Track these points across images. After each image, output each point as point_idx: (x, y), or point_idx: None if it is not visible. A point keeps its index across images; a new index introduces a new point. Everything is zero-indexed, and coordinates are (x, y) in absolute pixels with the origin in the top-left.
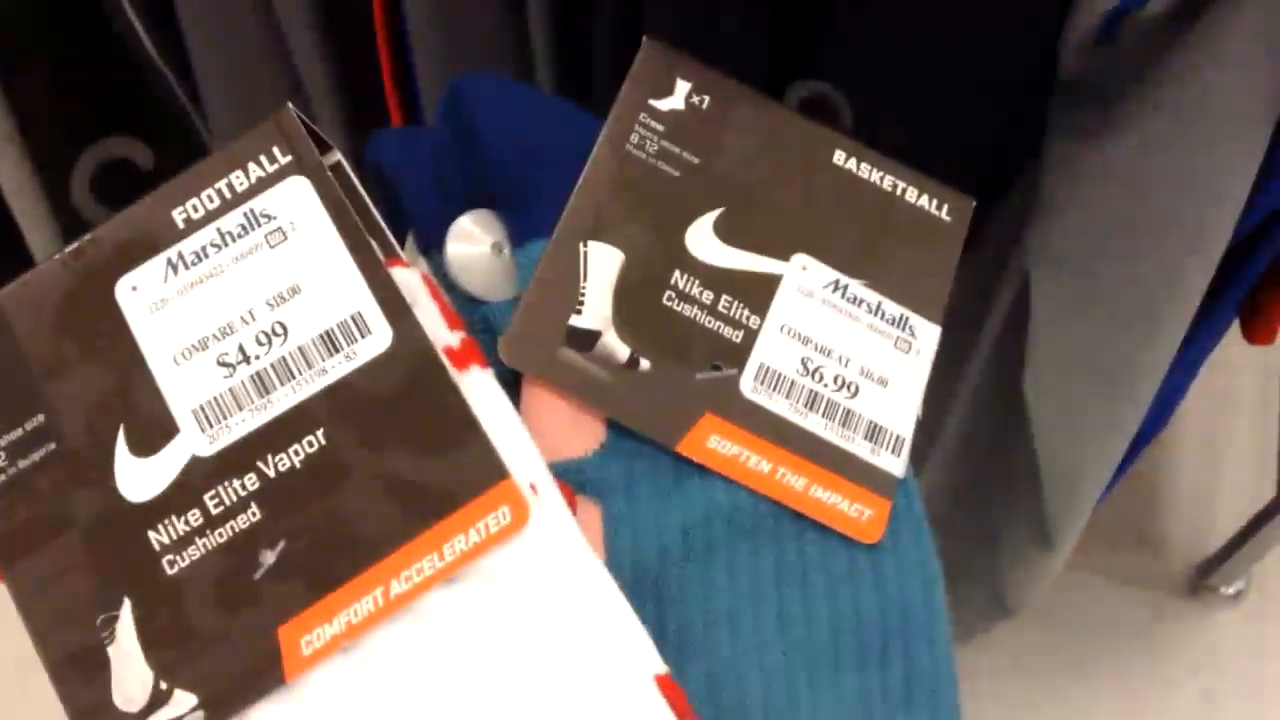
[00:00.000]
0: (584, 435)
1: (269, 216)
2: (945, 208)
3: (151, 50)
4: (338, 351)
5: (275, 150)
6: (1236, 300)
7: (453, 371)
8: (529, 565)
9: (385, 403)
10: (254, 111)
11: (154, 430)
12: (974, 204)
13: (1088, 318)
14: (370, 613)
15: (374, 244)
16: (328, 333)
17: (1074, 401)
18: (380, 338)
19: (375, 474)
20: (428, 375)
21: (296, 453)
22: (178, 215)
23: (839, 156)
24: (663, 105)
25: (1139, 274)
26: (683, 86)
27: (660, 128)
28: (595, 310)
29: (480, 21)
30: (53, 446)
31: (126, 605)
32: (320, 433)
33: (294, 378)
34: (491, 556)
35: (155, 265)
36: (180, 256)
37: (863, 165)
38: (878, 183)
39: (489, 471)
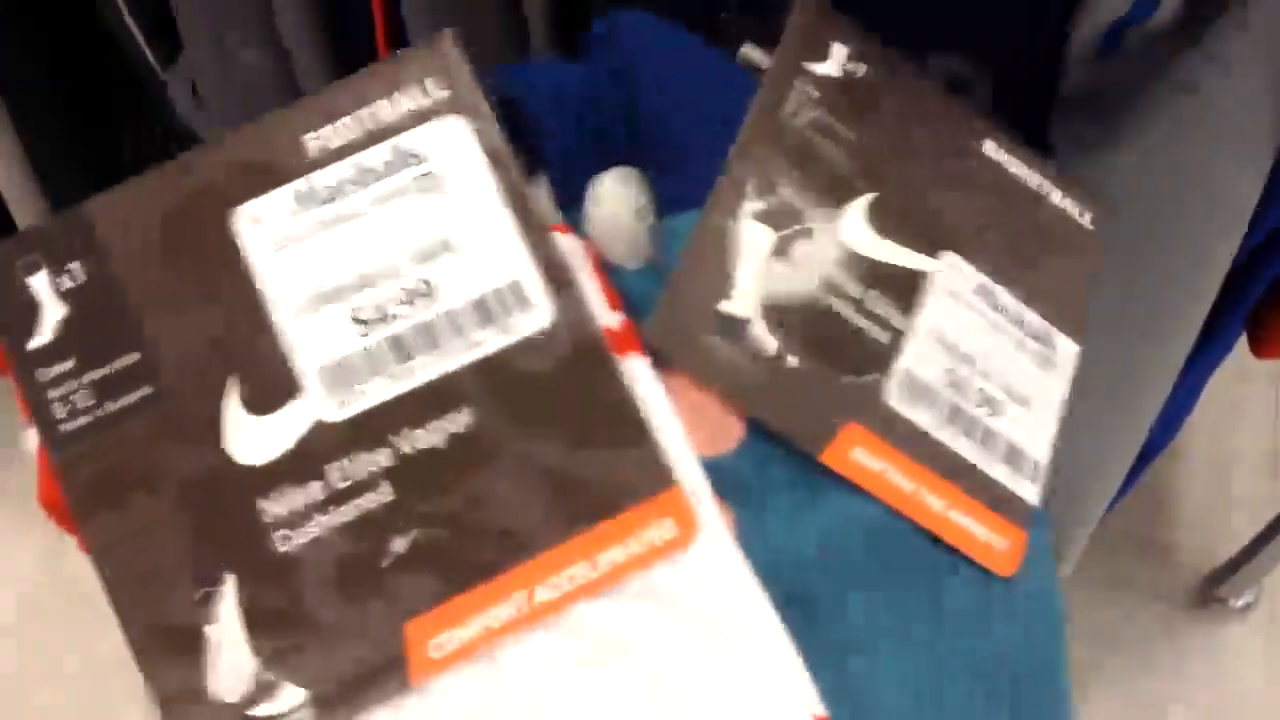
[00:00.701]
0: (722, 433)
1: (417, 157)
2: (1088, 215)
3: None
4: (491, 323)
5: (430, 82)
6: (1243, 315)
7: (614, 358)
8: (689, 586)
9: (542, 386)
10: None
11: (273, 386)
12: (1118, 213)
13: (1091, 331)
14: (511, 618)
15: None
16: (481, 300)
17: (1078, 415)
18: (540, 313)
19: (526, 464)
20: (590, 360)
21: (438, 430)
22: (309, 141)
23: (990, 147)
24: (819, 70)
25: (1142, 288)
26: (839, 51)
27: (816, 94)
28: (746, 295)
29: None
30: (148, 390)
31: (230, 581)
32: (466, 411)
33: (438, 347)
34: (649, 572)
35: (281, 196)
36: (311, 189)
37: (1013, 159)
38: (1025, 180)
39: (654, 477)
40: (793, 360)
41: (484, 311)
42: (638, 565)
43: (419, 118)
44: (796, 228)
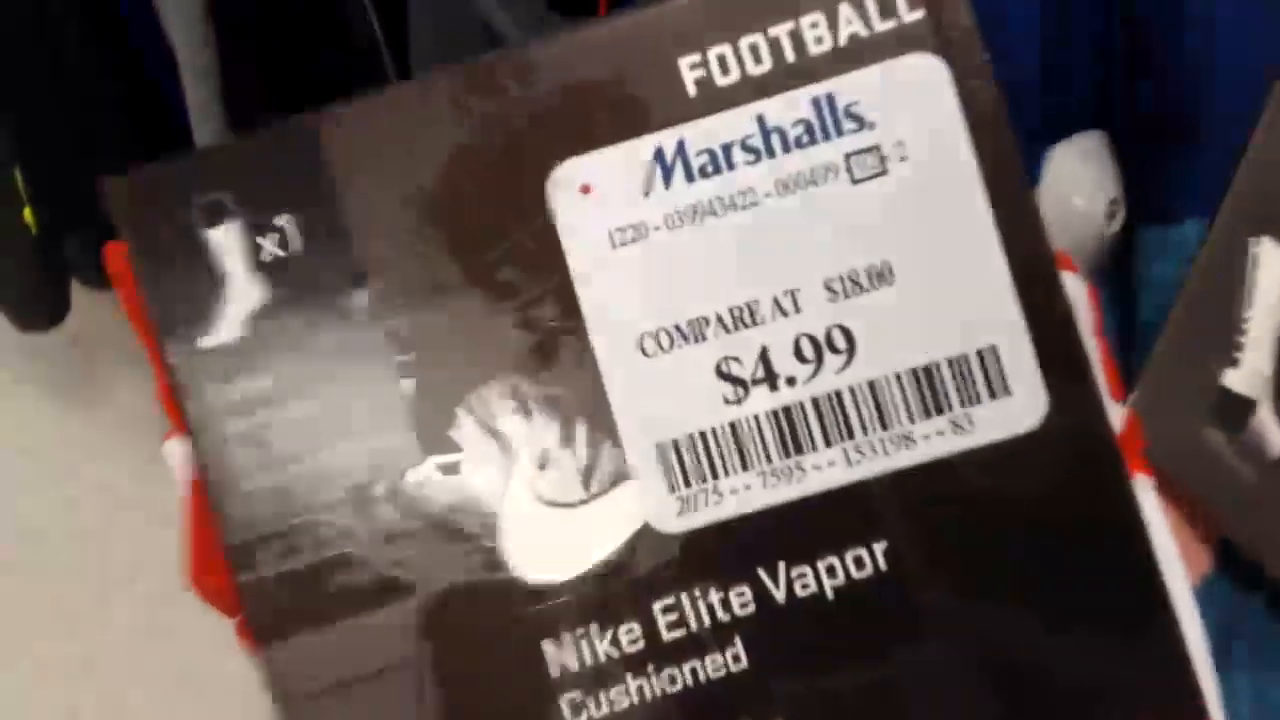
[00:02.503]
0: (1185, 563)
1: (859, 120)
2: None
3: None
4: (940, 411)
5: None
6: None
7: (1132, 487)
8: None
9: (1011, 523)
10: None
11: (584, 462)
12: None
13: None
14: None
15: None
16: (929, 371)
17: None
18: (1024, 404)
19: (970, 640)
20: (1097, 490)
21: (832, 570)
22: (688, 68)
23: None
24: None
25: None
26: None
27: None
28: (1255, 362)
29: None
30: (387, 446)
31: None
32: (881, 547)
33: (850, 436)
34: None
35: (633, 154)
36: (681, 152)
37: None
38: None
39: (1170, 684)
40: None
41: (932, 391)
42: None
43: (870, 51)
44: None
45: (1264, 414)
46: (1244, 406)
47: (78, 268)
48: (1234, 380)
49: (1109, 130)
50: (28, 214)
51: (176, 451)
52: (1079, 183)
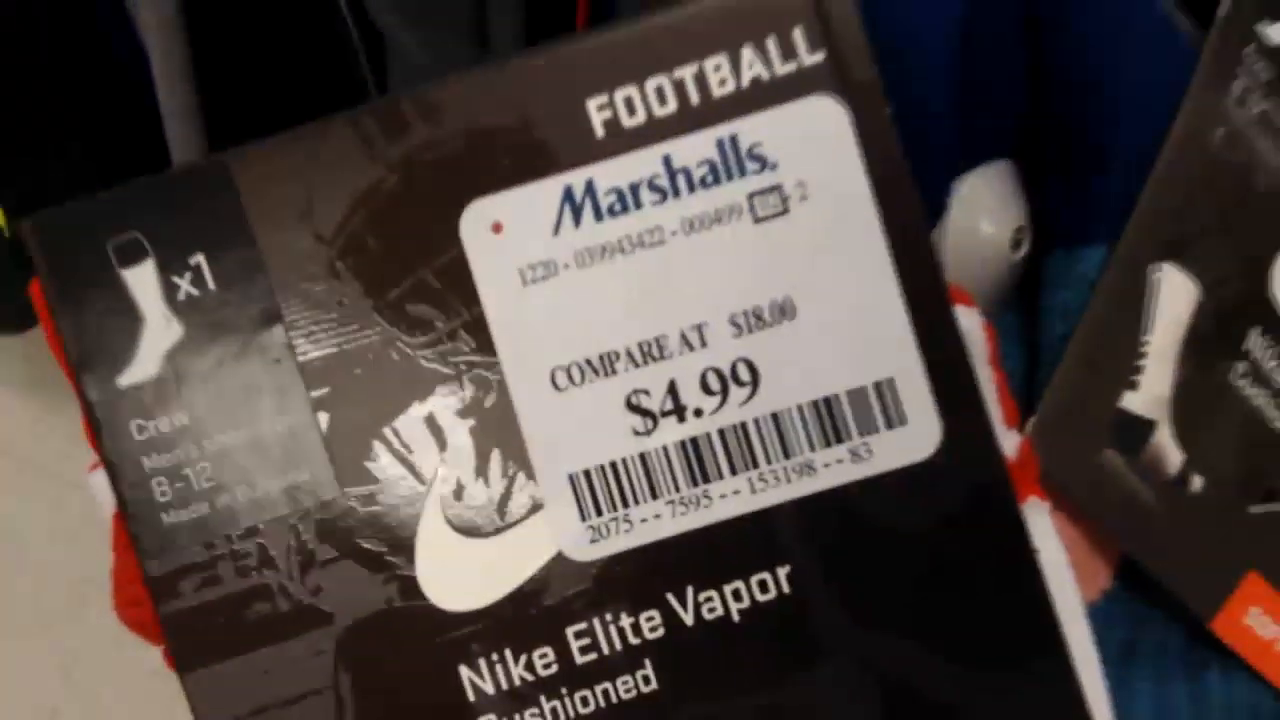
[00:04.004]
0: (1086, 579)
1: (762, 160)
2: None
3: None
4: (840, 440)
5: (798, 34)
6: None
7: (1021, 515)
8: None
9: (906, 551)
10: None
11: (498, 492)
12: None
13: None
14: None
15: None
16: (829, 403)
17: None
18: (919, 435)
19: (865, 667)
20: (989, 520)
21: (737, 595)
22: (595, 109)
23: None
24: (1272, 38)
25: None
26: None
27: (1266, 75)
28: (1154, 385)
29: None
30: (304, 475)
31: None
32: (783, 572)
33: (755, 465)
34: None
35: (543, 194)
36: (590, 191)
37: None
38: None
39: (1063, 714)
40: (1197, 483)
41: (831, 422)
42: None
43: (772, 94)
44: (1223, 281)
45: (1162, 434)
46: (1142, 427)
47: None
48: (1132, 402)
49: (1018, 161)
50: None
51: (100, 484)
52: (986, 210)
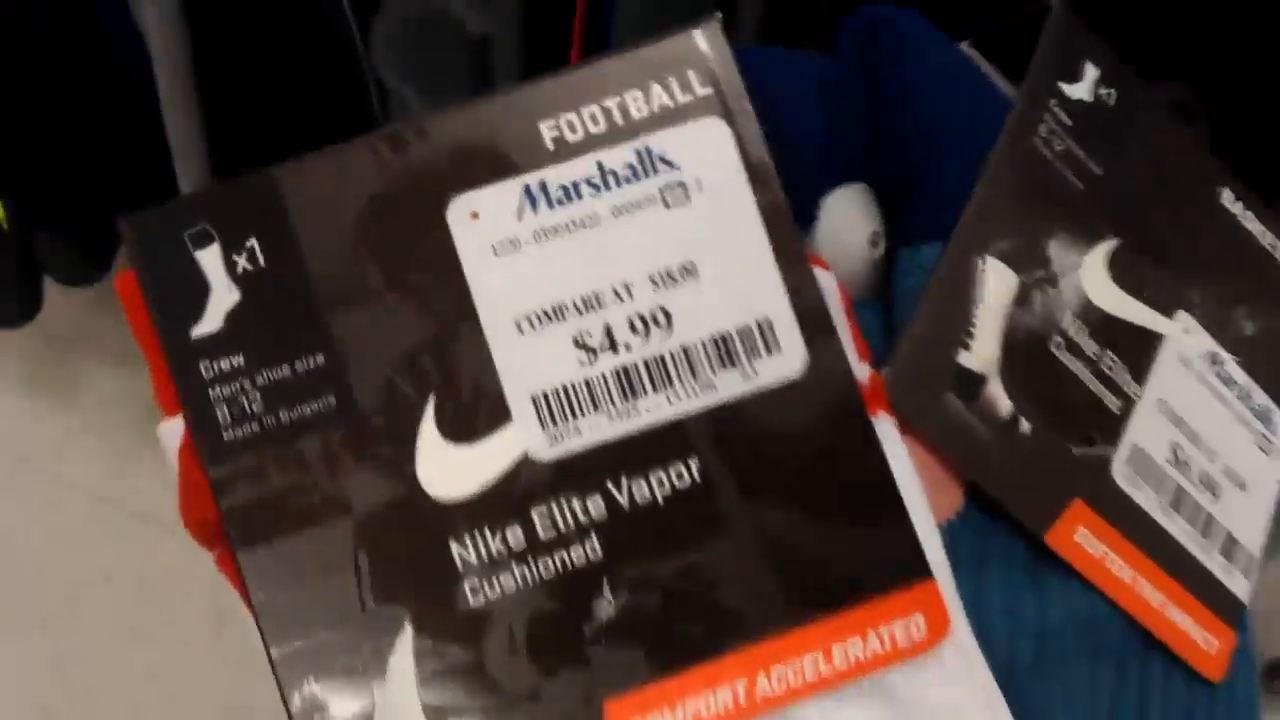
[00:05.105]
0: (941, 500)
1: (669, 164)
2: None
3: None
4: (733, 365)
5: (691, 75)
6: None
7: (869, 419)
8: (928, 691)
9: (784, 444)
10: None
11: (478, 410)
12: None
13: None
14: (726, 710)
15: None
16: (724, 338)
17: None
18: (790, 359)
19: (757, 531)
20: (843, 420)
21: (660, 482)
22: (546, 129)
23: (1227, 197)
24: (1071, 93)
25: None
26: (1091, 72)
27: (1068, 121)
28: (984, 348)
29: None
30: (331, 400)
31: (407, 630)
32: (695, 464)
33: (671, 385)
34: (886, 673)
35: (508, 191)
36: (543, 188)
37: (1247, 213)
38: (1259, 237)
39: (908, 563)
40: (1025, 426)
41: (727, 351)
42: (878, 665)
43: (675, 116)
44: (1040, 273)
45: (993, 386)
46: (976, 379)
47: (52, 265)
48: (967, 359)
49: (872, 179)
50: None
51: (169, 430)
52: (847, 220)
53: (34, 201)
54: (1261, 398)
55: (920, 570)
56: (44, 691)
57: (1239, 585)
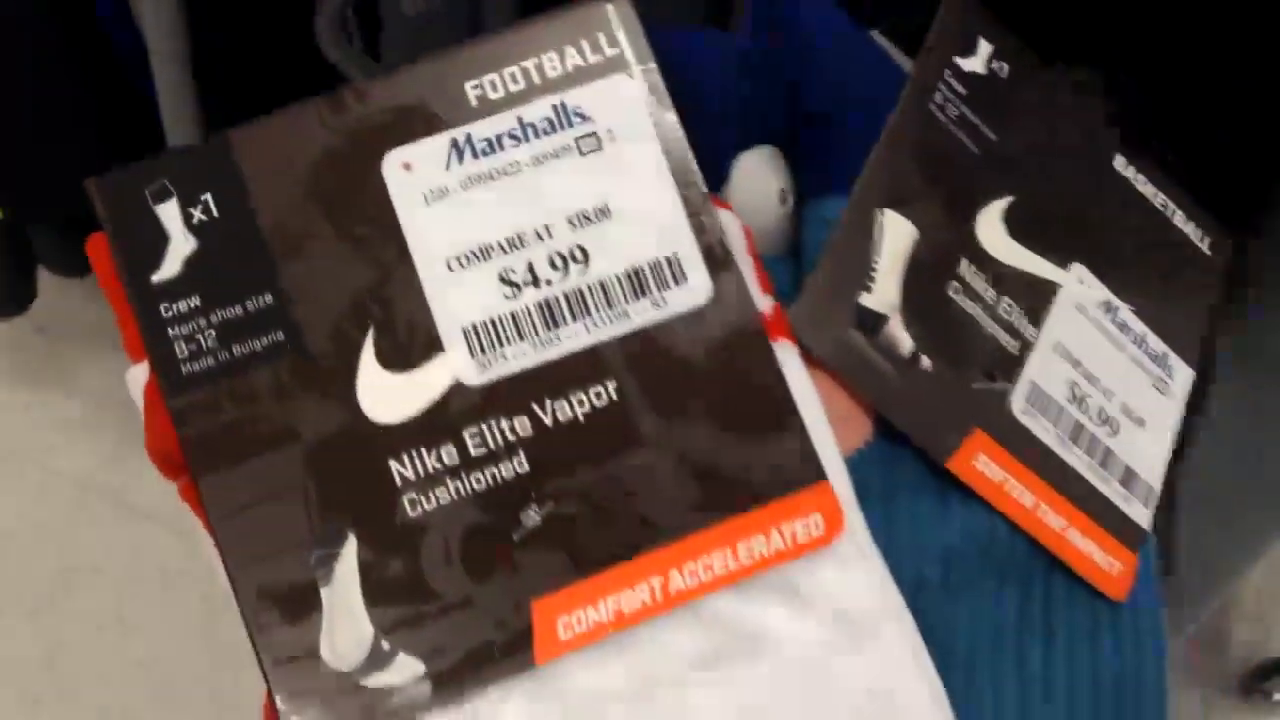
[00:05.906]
0: (851, 431)
1: (583, 116)
2: (1208, 240)
3: None
4: (644, 295)
5: (601, 38)
6: None
7: (768, 343)
8: (827, 584)
9: (692, 366)
10: None
11: (413, 342)
12: (1232, 243)
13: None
14: (643, 605)
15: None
16: (636, 271)
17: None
18: (696, 290)
19: (669, 444)
20: (745, 343)
21: (581, 402)
22: (470, 89)
23: (1120, 162)
24: (965, 65)
25: None
26: (985, 48)
27: (962, 91)
28: (884, 291)
29: None
30: (279, 336)
31: (351, 542)
32: (612, 385)
33: (589, 315)
34: (789, 568)
35: (437, 144)
36: (469, 140)
37: (1139, 176)
38: (1151, 199)
39: (804, 468)
40: (926, 362)
41: (638, 283)
42: (780, 560)
43: (587, 75)
44: (936, 225)
45: (893, 325)
46: (878, 318)
47: (45, 257)
48: (869, 300)
49: (781, 140)
50: None
51: (136, 375)
52: (756, 178)
53: (28, 192)
54: (1158, 344)
55: (816, 474)
56: (33, 682)
57: (1138, 513)
